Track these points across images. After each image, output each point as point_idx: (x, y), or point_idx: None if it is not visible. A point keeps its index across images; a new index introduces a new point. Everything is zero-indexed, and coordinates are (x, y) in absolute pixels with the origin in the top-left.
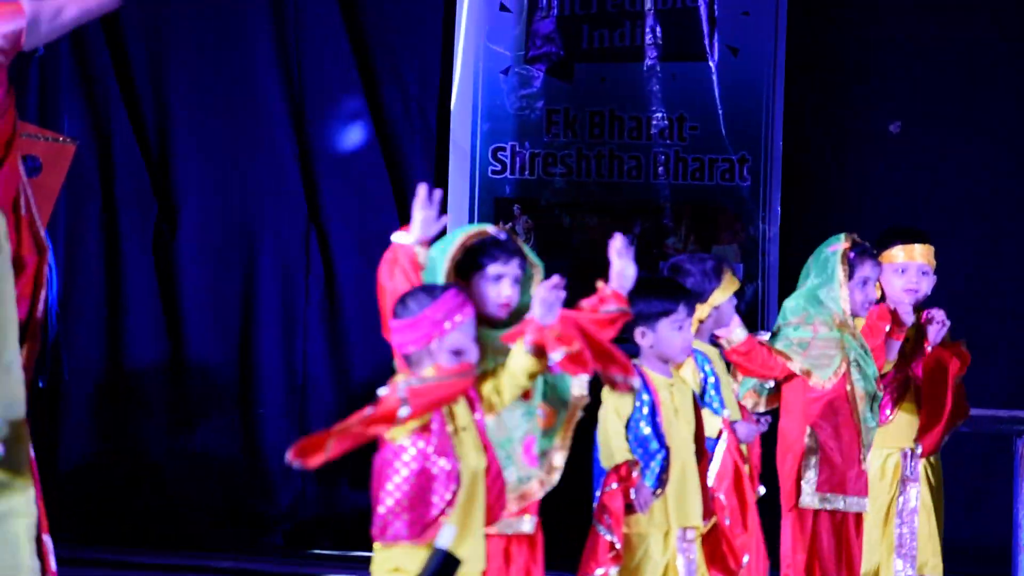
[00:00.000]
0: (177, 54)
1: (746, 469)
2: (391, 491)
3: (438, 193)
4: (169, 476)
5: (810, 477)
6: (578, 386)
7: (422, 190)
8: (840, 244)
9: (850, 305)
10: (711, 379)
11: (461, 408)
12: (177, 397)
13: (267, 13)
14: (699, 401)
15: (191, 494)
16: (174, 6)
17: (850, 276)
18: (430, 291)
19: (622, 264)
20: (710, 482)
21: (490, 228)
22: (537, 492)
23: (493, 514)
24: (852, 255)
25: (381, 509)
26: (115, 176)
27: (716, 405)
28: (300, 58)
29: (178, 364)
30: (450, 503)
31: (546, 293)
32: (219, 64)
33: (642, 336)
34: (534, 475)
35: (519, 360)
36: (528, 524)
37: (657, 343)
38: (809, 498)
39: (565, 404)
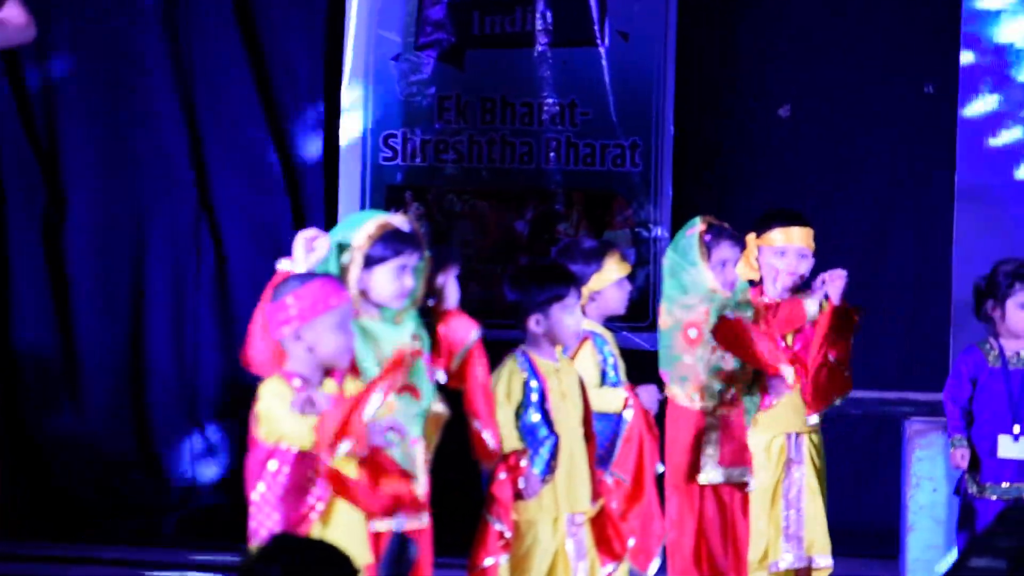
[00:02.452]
0: (64, 39)
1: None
2: (264, 491)
3: (318, 238)
4: (57, 464)
5: (712, 452)
6: (438, 403)
7: (304, 236)
8: (696, 227)
9: (712, 287)
10: (610, 360)
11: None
12: (66, 384)
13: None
14: (601, 380)
15: (80, 482)
16: None
17: (708, 258)
18: (301, 277)
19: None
20: (614, 458)
21: (393, 218)
22: (421, 495)
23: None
24: (708, 237)
25: (254, 509)
26: (2, 164)
27: (614, 378)
28: (189, 44)
29: (68, 352)
30: (323, 499)
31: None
32: (107, 49)
33: (536, 323)
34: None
35: None
36: (426, 519)
37: (550, 328)
38: (713, 473)
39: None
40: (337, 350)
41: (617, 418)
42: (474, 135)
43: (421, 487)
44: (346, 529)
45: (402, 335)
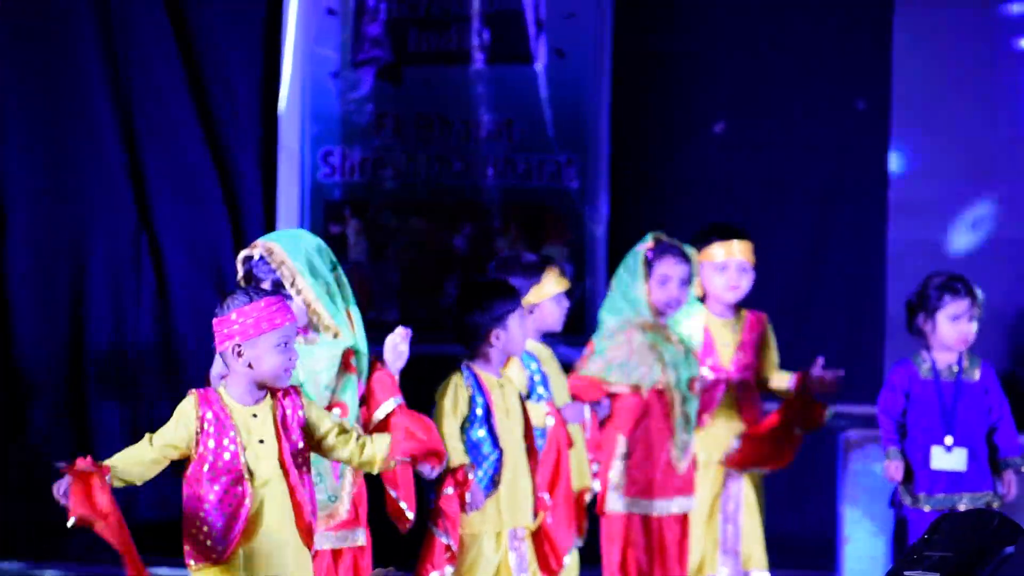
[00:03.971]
0: (2, 56)
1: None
2: (193, 514)
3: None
4: None
5: (617, 483)
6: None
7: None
8: (644, 244)
9: (652, 304)
10: (536, 376)
11: (259, 422)
12: (6, 404)
13: (93, 18)
14: (528, 396)
15: (20, 500)
16: None
17: (648, 275)
18: (248, 293)
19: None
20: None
21: (258, 244)
22: (343, 513)
23: (307, 534)
24: (651, 253)
25: (186, 532)
26: None
27: (543, 393)
28: (127, 63)
29: (8, 371)
30: (247, 518)
31: (397, 342)
32: (45, 69)
33: (497, 338)
34: (338, 493)
35: (380, 451)
36: (361, 536)
37: (507, 341)
38: (615, 503)
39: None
40: (276, 369)
41: (543, 433)
42: (411, 152)
43: (344, 508)
44: (278, 547)
45: (331, 350)
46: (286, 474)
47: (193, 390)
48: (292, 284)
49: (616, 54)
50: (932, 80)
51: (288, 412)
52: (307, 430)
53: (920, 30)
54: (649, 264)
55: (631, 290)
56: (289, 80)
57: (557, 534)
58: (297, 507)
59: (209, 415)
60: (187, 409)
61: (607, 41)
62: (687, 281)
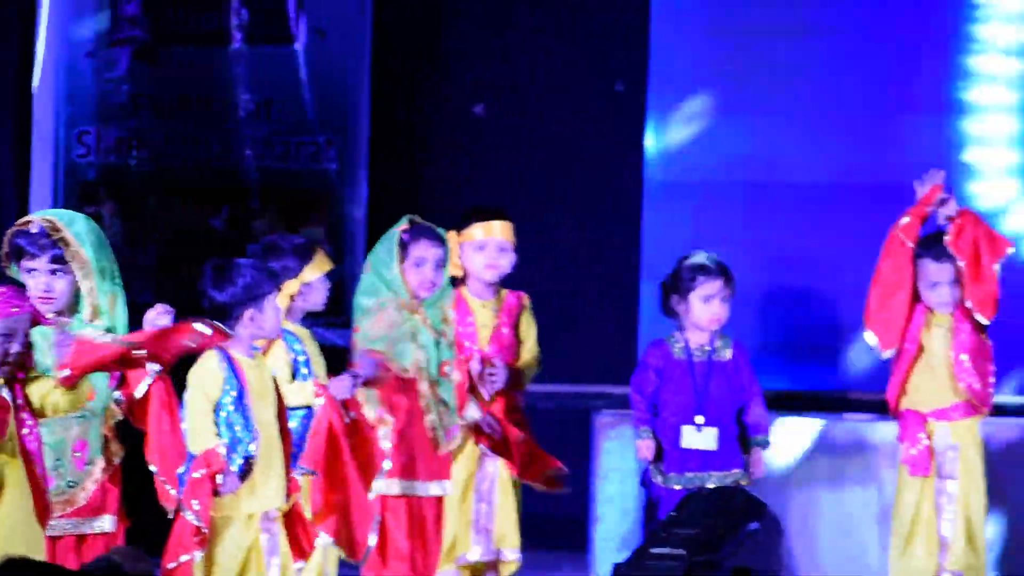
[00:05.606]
0: None
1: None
2: None
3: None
4: None
5: (383, 466)
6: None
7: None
8: (400, 226)
9: (408, 286)
10: (301, 358)
11: None
12: None
13: None
14: (292, 377)
15: None
16: None
17: (404, 257)
18: None
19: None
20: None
21: (34, 219)
22: (81, 499)
23: (41, 518)
24: (406, 236)
25: None
26: None
27: (307, 373)
28: None
29: None
30: None
31: (154, 317)
32: None
33: (251, 319)
34: (81, 481)
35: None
36: (106, 523)
37: (260, 322)
38: (385, 485)
39: None
40: None
41: (309, 413)
42: (169, 132)
43: (84, 495)
44: (11, 528)
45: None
46: (23, 454)
47: None
48: (74, 259)
49: (377, 35)
50: (689, 61)
51: (17, 393)
52: (32, 405)
53: (677, 10)
54: (404, 246)
55: (386, 271)
56: (44, 60)
57: (352, 512)
58: (36, 489)
59: None
60: None
61: (368, 21)
62: (441, 264)
